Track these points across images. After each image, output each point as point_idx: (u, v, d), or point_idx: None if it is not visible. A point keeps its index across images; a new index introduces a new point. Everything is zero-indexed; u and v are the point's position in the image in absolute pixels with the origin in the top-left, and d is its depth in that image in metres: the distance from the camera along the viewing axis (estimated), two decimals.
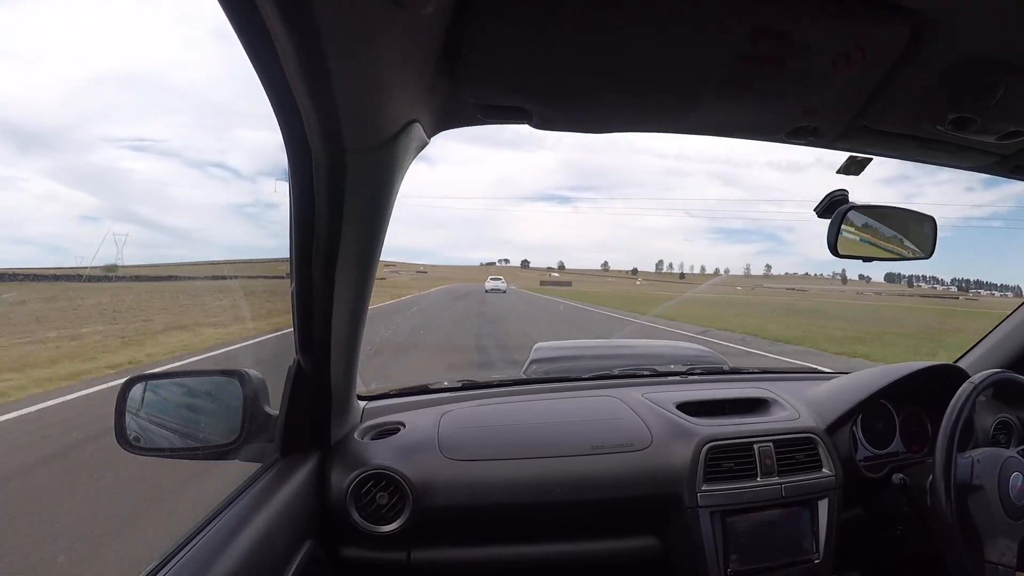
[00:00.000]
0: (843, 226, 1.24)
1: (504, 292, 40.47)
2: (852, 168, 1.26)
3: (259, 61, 0.72)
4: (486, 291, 39.24)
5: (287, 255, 1.08)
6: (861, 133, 1.10)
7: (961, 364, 1.82)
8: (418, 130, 0.98)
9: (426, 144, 1.07)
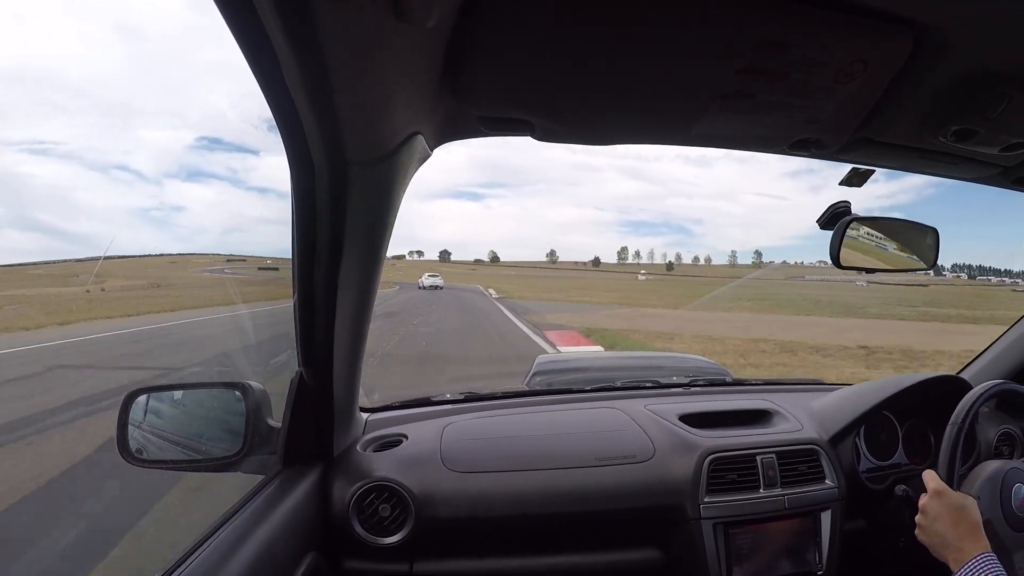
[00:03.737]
0: (845, 238, 1.24)
1: (441, 288, 40.05)
2: (854, 180, 1.26)
3: (262, 74, 0.72)
4: (423, 287, 39.71)
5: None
6: (863, 145, 1.10)
7: (964, 375, 1.82)
8: (421, 142, 0.99)
9: (429, 156, 1.07)
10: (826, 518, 1.42)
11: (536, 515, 1.36)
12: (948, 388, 1.58)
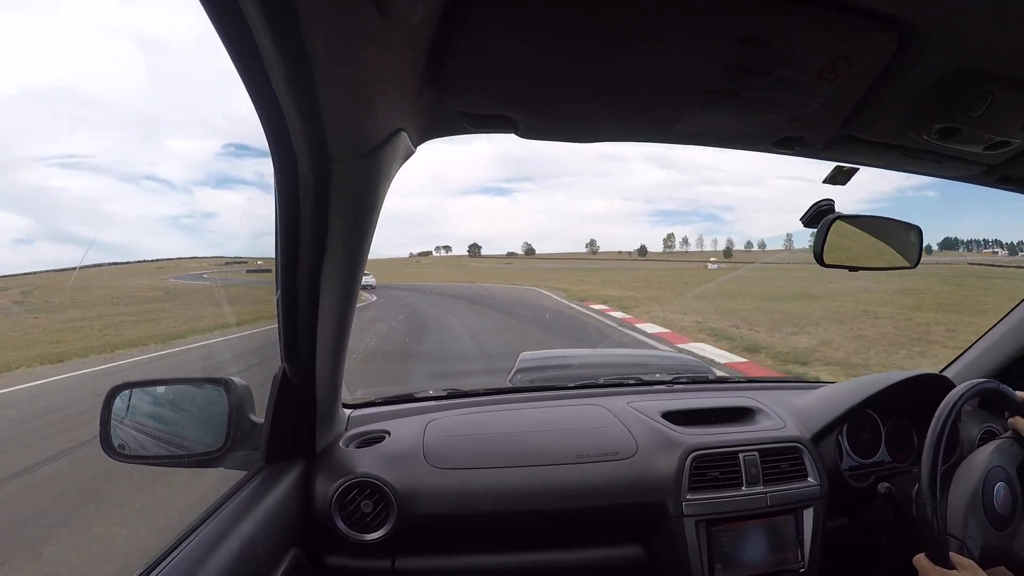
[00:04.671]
0: (829, 236, 1.24)
1: (374, 288, 28.32)
2: (838, 178, 1.27)
3: (245, 70, 0.72)
4: None
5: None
6: (847, 143, 1.10)
7: (947, 373, 1.83)
8: (404, 139, 0.98)
9: (412, 153, 1.07)
10: (808, 516, 1.43)
11: (518, 512, 1.36)
12: (931, 386, 1.59)
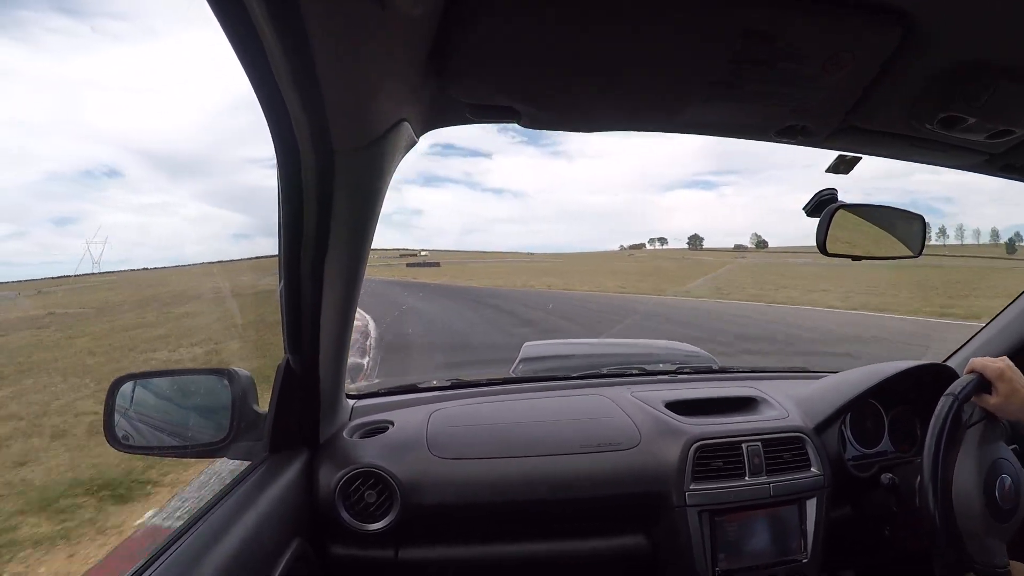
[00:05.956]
0: (832, 225, 1.24)
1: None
2: (841, 167, 1.27)
3: (248, 61, 0.72)
4: None
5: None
6: (850, 133, 1.10)
7: (950, 363, 1.83)
8: (407, 129, 0.98)
9: (415, 143, 1.06)
10: (811, 506, 1.43)
11: (522, 502, 1.37)
12: (934, 376, 1.59)
